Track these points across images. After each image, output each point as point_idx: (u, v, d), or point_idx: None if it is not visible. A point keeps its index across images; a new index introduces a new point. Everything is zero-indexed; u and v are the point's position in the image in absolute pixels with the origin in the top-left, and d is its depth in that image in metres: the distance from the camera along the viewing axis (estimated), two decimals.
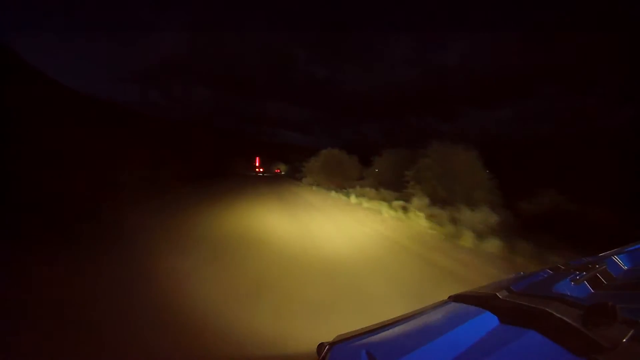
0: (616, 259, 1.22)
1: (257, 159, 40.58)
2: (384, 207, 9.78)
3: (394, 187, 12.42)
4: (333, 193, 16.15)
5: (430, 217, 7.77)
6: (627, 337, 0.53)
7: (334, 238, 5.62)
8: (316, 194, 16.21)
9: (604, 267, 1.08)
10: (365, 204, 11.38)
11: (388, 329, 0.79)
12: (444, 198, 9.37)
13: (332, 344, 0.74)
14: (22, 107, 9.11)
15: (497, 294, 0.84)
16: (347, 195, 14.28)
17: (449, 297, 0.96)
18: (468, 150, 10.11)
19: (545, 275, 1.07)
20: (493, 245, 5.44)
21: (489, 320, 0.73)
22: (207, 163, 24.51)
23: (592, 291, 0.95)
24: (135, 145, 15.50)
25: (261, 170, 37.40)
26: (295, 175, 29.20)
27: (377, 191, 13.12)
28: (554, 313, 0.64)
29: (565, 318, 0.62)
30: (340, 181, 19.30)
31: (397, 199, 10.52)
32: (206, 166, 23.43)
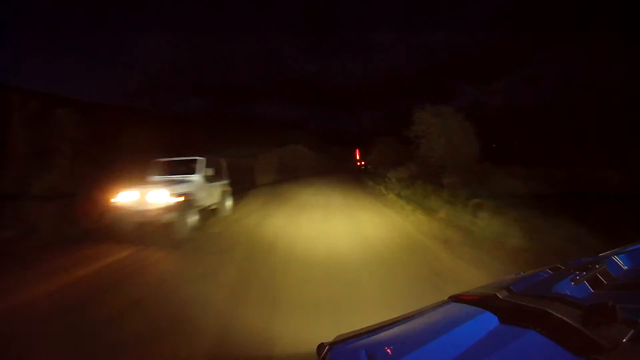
0: (616, 259, 1.22)
1: (357, 151, 33.19)
2: None
3: None
4: None
5: None
6: (627, 337, 0.53)
7: None
8: None
9: (604, 267, 1.08)
10: None
11: (388, 329, 0.79)
12: None
13: (332, 344, 0.74)
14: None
15: (497, 294, 0.84)
16: None
17: (449, 297, 0.96)
18: None
19: (545, 275, 1.07)
20: None
21: (489, 320, 0.72)
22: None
23: (592, 291, 0.95)
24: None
25: (363, 163, 30.46)
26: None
27: None
28: (554, 313, 0.64)
29: (565, 318, 0.61)
30: None
31: None
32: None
